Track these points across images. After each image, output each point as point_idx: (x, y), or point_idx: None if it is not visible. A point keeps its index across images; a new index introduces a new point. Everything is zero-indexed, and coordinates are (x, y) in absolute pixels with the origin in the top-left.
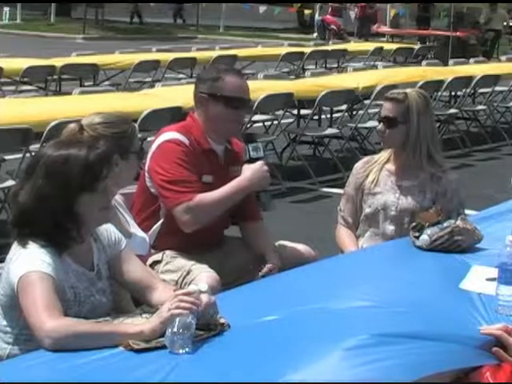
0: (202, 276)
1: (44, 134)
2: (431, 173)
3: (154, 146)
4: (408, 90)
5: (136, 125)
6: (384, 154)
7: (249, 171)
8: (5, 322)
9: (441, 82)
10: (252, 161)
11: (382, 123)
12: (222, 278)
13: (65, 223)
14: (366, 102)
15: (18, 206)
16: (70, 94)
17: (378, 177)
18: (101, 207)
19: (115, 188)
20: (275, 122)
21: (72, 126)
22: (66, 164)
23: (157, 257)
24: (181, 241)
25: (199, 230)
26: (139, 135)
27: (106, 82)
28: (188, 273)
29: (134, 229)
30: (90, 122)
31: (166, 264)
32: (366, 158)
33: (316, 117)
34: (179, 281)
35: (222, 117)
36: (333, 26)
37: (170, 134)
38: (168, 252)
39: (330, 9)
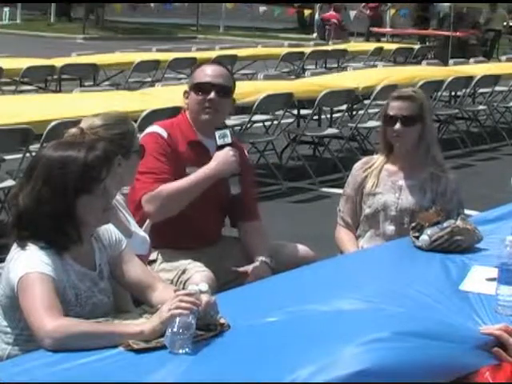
0: (198, 275)
1: (44, 134)
2: (431, 172)
3: None
4: (414, 89)
5: (136, 124)
6: (383, 156)
7: (215, 160)
8: (5, 323)
9: (441, 82)
10: (220, 148)
11: (398, 123)
12: (220, 277)
13: (64, 225)
14: (366, 101)
15: (18, 208)
16: (69, 93)
17: (377, 179)
18: (101, 209)
19: (117, 188)
20: (275, 122)
21: (73, 130)
22: (64, 166)
23: (152, 256)
24: (171, 238)
25: (191, 227)
26: (139, 135)
27: (106, 82)
28: (183, 272)
29: (135, 228)
30: (90, 125)
31: (161, 263)
32: (364, 159)
33: (316, 117)
34: (174, 280)
35: (193, 104)
36: (334, 20)
37: (149, 128)
38: (163, 251)
39: (332, 9)
